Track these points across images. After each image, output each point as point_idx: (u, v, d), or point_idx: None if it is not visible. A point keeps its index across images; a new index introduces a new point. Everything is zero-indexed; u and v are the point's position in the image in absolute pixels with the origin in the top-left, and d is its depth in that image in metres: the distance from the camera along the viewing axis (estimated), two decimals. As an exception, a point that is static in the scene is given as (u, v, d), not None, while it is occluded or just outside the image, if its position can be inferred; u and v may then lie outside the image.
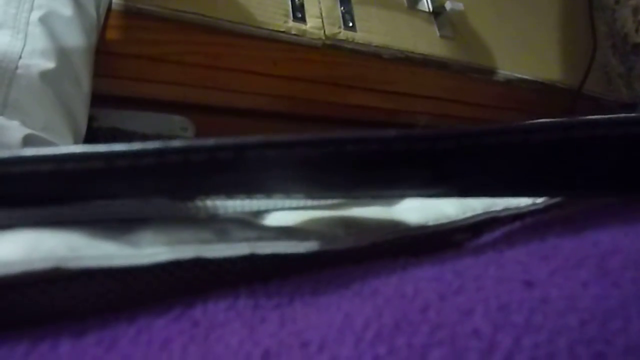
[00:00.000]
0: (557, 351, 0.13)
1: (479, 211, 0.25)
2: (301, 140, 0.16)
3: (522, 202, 0.25)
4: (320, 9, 0.57)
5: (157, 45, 0.49)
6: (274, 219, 0.24)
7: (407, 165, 0.17)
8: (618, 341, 0.13)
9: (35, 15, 0.39)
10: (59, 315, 0.18)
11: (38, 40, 0.38)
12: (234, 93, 0.54)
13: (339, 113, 0.60)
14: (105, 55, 0.45)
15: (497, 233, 0.25)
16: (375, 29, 0.61)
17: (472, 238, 0.26)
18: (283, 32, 0.54)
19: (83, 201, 0.20)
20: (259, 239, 0.19)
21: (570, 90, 0.77)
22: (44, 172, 0.17)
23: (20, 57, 0.38)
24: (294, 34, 0.55)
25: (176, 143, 0.16)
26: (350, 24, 0.59)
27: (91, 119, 0.44)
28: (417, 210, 0.25)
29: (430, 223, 0.24)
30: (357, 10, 0.60)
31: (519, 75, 0.71)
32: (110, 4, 0.45)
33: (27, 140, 0.37)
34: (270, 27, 0.53)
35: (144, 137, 0.46)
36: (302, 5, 0.56)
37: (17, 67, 0.38)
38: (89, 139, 0.43)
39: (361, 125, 0.62)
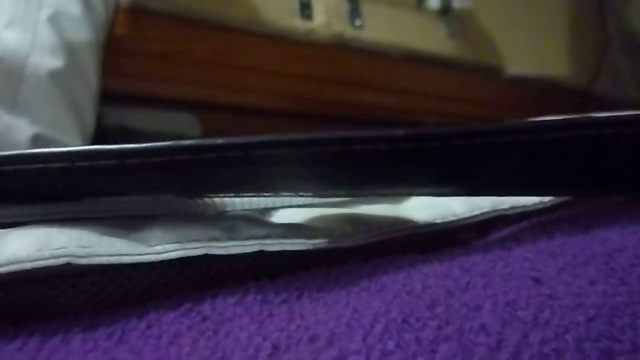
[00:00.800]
0: (564, 347, 0.13)
1: (487, 209, 0.25)
2: (309, 139, 0.16)
3: (530, 200, 0.25)
4: (328, 7, 0.57)
5: (165, 43, 0.49)
6: (282, 217, 0.24)
7: (416, 164, 0.17)
8: (625, 337, 0.14)
9: (44, 14, 0.39)
10: (69, 310, 0.19)
11: (47, 39, 0.39)
12: (241, 91, 0.54)
13: (346, 112, 0.60)
14: (113, 53, 0.46)
15: (505, 232, 0.25)
16: (383, 28, 0.61)
17: (479, 237, 0.26)
18: (290, 30, 0.54)
19: (93, 198, 0.20)
20: (267, 236, 0.20)
21: (579, 89, 0.76)
22: (55, 170, 0.17)
23: (29, 56, 0.38)
24: (301, 33, 0.55)
25: (186, 142, 0.16)
26: (358, 23, 0.59)
27: (99, 117, 0.44)
28: (424, 208, 0.25)
29: (438, 221, 0.24)
30: (365, 9, 0.60)
31: (528, 74, 0.71)
32: (118, 1, 0.46)
33: (36, 139, 0.37)
34: (277, 26, 0.54)
35: (152, 135, 0.46)
36: (309, 4, 0.56)
37: (26, 66, 0.38)
38: (97, 137, 0.44)
39: (368, 124, 0.62)
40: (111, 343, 0.16)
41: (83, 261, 0.17)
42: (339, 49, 0.58)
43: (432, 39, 0.64)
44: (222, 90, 0.53)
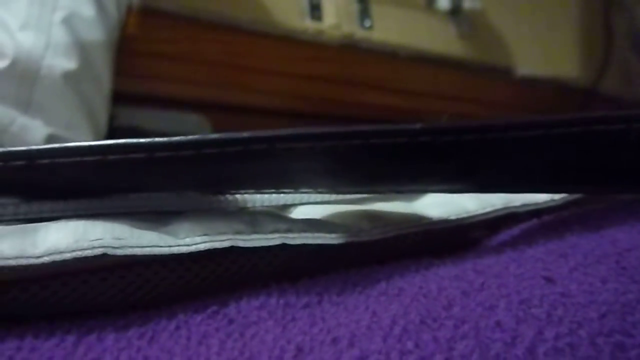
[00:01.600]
0: (578, 342, 0.14)
1: (499, 206, 0.26)
2: (330, 133, 0.17)
3: (540, 198, 0.26)
4: (338, 8, 0.58)
5: (176, 43, 0.50)
6: (300, 213, 0.25)
7: (432, 158, 0.18)
8: (637, 332, 0.14)
9: (59, 16, 0.41)
10: (98, 304, 0.20)
11: (61, 41, 0.40)
12: (251, 92, 0.55)
13: (355, 112, 0.61)
14: (124, 54, 0.47)
15: (516, 230, 0.27)
16: (393, 29, 0.62)
17: (490, 235, 0.27)
18: (300, 31, 0.55)
19: (122, 194, 0.22)
20: (289, 230, 0.21)
21: (588, 89, 0.77)
22: (89, 163, 0.18)
23: (43, 58, 0.39)
24: (311, 33, 0.56)
25: (213, 135, 0.17)
26: (367, 24, 0.60)
27: (111, 117, 0.45)
28: (437, 205, 0.26)
29: (452, 217, 0.25)
30: (374, 10, 0.61)
31: (538, 75, 0.72)
32: (130, 3, 0.47)
33: (50, 140, 0.38)
34: (287, 26, 0.55)
35: (162, 136, 0.48)
36: (319, 5, 0.57)
37: (40, 68, 0.39)
38: (109, 138, 0.45)
39: (378, 124, 0.63)
40: (143, 342, 0.17)
41: (118, 252, 0.18)
42: (349, 50, 0.59)
43: (442, 40, 0.65)
44: (231, 91, 0.54)
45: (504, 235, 0.27)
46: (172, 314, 0.19)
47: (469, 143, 0.17)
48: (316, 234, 0.21)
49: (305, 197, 0.25)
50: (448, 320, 0.16)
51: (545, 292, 0.16)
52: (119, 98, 0.47)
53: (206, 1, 0.51)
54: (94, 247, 0.18)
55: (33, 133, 0.38)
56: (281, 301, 0.19)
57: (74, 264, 0.19)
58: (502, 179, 0.21)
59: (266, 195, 0.24)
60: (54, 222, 0.19)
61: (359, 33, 0.59)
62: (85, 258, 0.18)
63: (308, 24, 0.56)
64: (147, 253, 0.19)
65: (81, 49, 0.41)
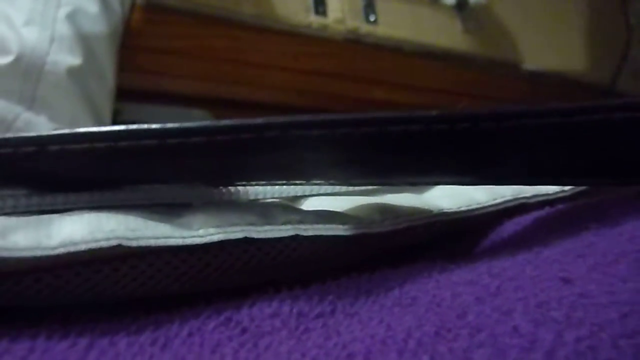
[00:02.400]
0: (600, 344, 0.14)
1: (509, 197, 0.26)
2: (345, 120, 0.17)
3: (551, 189, 0.27)
4: (342, 3, 0.58)
5: (180, 39, 0.51)
6: (311, 205, 0.25)
7: (447, 147, 0.18)
8: None
9: (63, 12, 0.41)
10: (110, 294, 0.20)
11: (65, 36, 0.40)
12: (255, 87, 0.56)
13: (361, 108, 0.61)
14: (129, 49, 0.47)
15: (528, 219, 0.27)
16: (398, 23, 0.62)
17: (502, 225, 0.27)
18: (304, 26, 0.56)
19: (132, 186, 0.22)
20: (301, 222, 0.21)
21: (599, 85, 0.77)
22: (99, 149, 0.18)
23: (48, 54, 0.40)
24: (316, 29, 0.56)
25: (226, 121, 0.17)
26: (372, 18, 0.60)
27: (115, 113, 0.46)
28: (448, 197, 0.26)
29: (463, 208, 0.25)
30: (379, 4, 0.61)
31: (546, 70, 0.72)
32: (134, -1, 0.48)
33: (54, 136, 0.39)
34: (292, 22, 0.55)
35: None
36: (323, 0, 0.58)
37: (44, 64, 0.40)
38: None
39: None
40: (156, 348, 0.17)
41: (133, 243, 0.18)
42: (354, 45, 0.59)
43: (448, 35, 0.65)
44: (236, 86, 0.54)
45: (515, 225, 0.27)
46: (184, 319, 0.19)
47: (485, 131, 0.17)
48: (328, 225, 0.21)
49: (315, 188, 0.25)
50: (463, 329, 0.15)
51: (563, 293, 0.16)
52: (123, 93, 0.48)
53: (210, -4, 0.51)
54: (108, 238, 0.18)
55: (37, 128, 0.39)
56: (294, 310, 0.19)
57: (88, 254, 0.19)
58: (516, 169, 0.21)
59: (277, 187, 0.24)
60: (68, 213, 0.20)
61: (364, 28, 0.59)
62: (100, 249, 0.18)
63: (312, 19, 0.56)
64: (161, 244, 0.19)
65: (85, 44, 0.42)
